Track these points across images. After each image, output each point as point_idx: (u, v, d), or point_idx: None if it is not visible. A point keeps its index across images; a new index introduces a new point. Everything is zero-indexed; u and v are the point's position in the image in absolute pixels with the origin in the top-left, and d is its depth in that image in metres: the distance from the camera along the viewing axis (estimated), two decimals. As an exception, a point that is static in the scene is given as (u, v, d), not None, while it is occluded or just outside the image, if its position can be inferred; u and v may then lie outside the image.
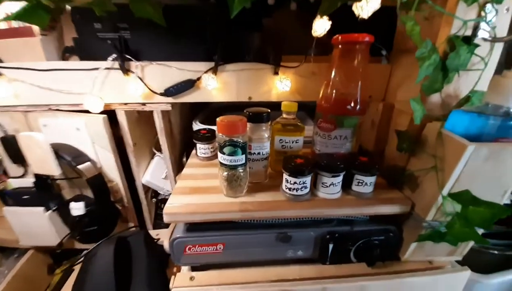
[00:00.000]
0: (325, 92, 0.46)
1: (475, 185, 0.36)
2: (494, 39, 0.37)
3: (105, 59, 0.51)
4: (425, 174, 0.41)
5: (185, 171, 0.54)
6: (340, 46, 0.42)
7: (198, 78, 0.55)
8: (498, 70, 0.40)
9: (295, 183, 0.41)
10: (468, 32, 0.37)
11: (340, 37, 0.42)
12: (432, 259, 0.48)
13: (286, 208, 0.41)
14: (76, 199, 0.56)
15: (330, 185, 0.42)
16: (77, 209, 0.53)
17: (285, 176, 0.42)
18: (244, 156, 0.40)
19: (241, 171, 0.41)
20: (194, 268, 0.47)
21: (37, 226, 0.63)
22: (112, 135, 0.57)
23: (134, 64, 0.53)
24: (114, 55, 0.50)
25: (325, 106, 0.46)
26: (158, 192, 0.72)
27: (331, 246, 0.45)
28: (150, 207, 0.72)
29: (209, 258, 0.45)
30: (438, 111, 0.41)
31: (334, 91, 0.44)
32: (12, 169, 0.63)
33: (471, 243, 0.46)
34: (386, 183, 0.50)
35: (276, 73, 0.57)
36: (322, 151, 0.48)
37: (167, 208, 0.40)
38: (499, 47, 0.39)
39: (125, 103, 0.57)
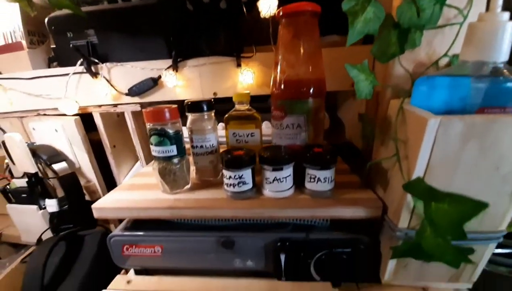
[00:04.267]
0: (274, 77, 0.40)
1: (461, 178, 0.26)
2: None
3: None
4: (392, 167, 0.32)
5: (144, 169, 0.52)
6: (283, 20, 0.37)
7: (159, 77, 0.54)
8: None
9: (230, 177, 0.36)
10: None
11: (281, 10, 0.37)
12: (427, 285, 0.36)
13: (222, 206, 0.36)
14: (51, 197, 0.58)
15: (274, 180, 0.36)
16: (50, 206, 0.55)
17: (223, 170, 0.37)
18: (175, 147, 0.37)
19: (175, 163, 0.38)
20: (139, 273, 0.44)
21: (33, 223, 0.68)
22: (86, 137, 0.60)
23: (100, 67, 0.55)
24: (82, 60, 0.54)
25: (275, 92, 0.40)
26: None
27: (283, 256, 0.37)
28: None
29: (149, 262, 0.41)
30: (407, 85, 0.32)
31: (281, 73, 0.39)
32: (15, 170, 0.71)
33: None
34: (359, 182, 0.40)
35: (239, 65, 0.53)
36: (276, 144, 0.42)
37: (97, 203, 0.38)
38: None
39: (99, 106, 0.60)
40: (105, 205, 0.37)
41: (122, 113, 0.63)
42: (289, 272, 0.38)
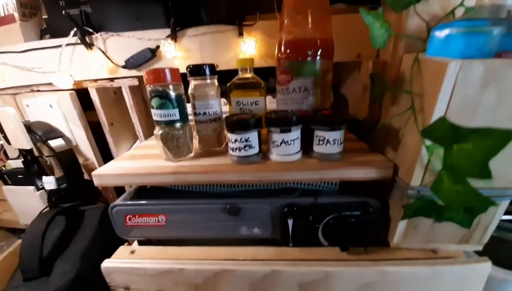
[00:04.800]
0: (280, 40, 0.38)
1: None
2: None
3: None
4: (404, 124, 0.31)
5: (145, 142, 0.51)
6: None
7: (157, 47, 0.52)
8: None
9: (236, 140, 0.34)
10: None
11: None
12: (436, 247, 0.35)
13: (227, 170, 0.34)
14: (49, 175, 0.57)
15: (281, 143, 0.35)
16: (48, 183, 0.54)
17: (227, 134, 0.36)
18: (177, 110, 0.35)
19: (177, 128, 0.36)
20: (143, 244, 0.43)
21: (30, 204, 0.67)
22: (82, 112, 0.58)
23: (95, 37, 0.53)
24: (75, 29, 0.51)
25: (280, 55, 0.38)
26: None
27: (290, 222, 0.36)
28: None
29: (152, 232, 0.40)
30: (422, 36, 0.31)
31: (288, 34, 0.37)
32: (10, 150, 0.69)
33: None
34: (368, 148, 0.39)
35: (240, 34, 0.51)
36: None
37: (96, 170, 0.36)
38: None
39: (95, 80, 0.58)
40: (106, 171, 0.36)
41: (120, 90, 0.60)
42: (297, 238, 0.37)
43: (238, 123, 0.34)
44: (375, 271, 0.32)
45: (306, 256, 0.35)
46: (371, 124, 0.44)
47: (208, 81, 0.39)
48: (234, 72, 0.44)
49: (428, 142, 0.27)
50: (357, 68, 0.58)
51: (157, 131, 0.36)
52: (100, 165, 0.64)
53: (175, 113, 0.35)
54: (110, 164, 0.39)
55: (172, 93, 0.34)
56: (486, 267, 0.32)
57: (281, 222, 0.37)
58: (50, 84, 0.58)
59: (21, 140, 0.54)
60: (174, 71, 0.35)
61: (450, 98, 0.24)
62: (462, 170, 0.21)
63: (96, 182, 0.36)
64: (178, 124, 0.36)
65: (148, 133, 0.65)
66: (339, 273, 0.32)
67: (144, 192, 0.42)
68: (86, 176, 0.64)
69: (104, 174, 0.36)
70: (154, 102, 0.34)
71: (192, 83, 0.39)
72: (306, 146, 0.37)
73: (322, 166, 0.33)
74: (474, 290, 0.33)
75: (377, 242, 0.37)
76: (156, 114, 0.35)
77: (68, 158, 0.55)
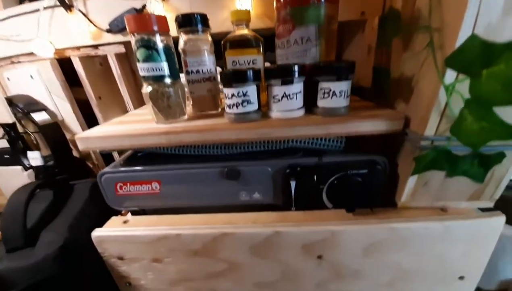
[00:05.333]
0: (279, -17, 0.34)
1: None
2: None
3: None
4: (419, 69, 0.28)
5: (135, 111, 0.47)
6: None
7: (144, 6, 0.47)
8: None
9: (233, 95, 0.31)
10: None
11: None
12: (445, 205, 0.34)
13: (224, 128, 0.32)
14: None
15: (282, 97, 0.32)
16: (34, 158, 0.50)
17: (224, 90, 0.33)
18: (166, 64, 0.32)
19: (167, 84, 0.33)
20: (137, 214, 0.41)
21: (19, 185, 0.64)
22: (65, 83, 0.54)
23: (74, -4, 0.48)
24: (51, -13, 0.46)
25: (280, 4, 0.35)
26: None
27: (293, 183, 0.34)
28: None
29: (146, 201, 0.38)
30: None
31: (288, -24, 0.33)
32: (-7, 130, 0.64)
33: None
34: (375, 105, 0.37)
35: (235, -10, 0.47)
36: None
37: (81, 133, 0.33)
38: None
39: (78, 48, 0.53)
40: (91, 134, 0.33)
41: (106, 61, 0.56)
42: (300, 201, 0.35)
43: (235, 75, 0.31)
44: (384, 228, 0.30)
45: (310, 219, 0.34)
46: (376, 89, 0.41)
47: (200, 34, 0.35)
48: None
49: (448, 80, 0.24)
50: (361, 29, 0.54)
51: (145, 88, 0.33)
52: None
53: (163, 68, 0.32)
54: (97, 128, 0.36)
55: (160, 44, 0.31)
56: (500, 221, 0.30)
57: (283, 185, 0.35)
58: (31, 54, 0.53)
59: (2, 113, 0.50)
60: (161, 18, 0.31)
61: (474, 26, 0.21)
62: (491, 98, 0.19)
63: (81, 146, 0.33)
64: (168, 81, 0.33)
65: (139, 106, 0.61)
66: (345, 232, 0.31)
67: (136, 159, 0.39)
68: (75, 153, 0.61)
69: (89, 137, 0.33)
70: (140, 54, 0.31)
71: (183, 37, 0.35)
72: (309, 103, 0.34)
73: (328, 121, 0.31)
74: (487, 246, 0.31)
75: (384, 203, 0.35)
76: (143, 68, 0.31)
77: (54, 132, 0.51)
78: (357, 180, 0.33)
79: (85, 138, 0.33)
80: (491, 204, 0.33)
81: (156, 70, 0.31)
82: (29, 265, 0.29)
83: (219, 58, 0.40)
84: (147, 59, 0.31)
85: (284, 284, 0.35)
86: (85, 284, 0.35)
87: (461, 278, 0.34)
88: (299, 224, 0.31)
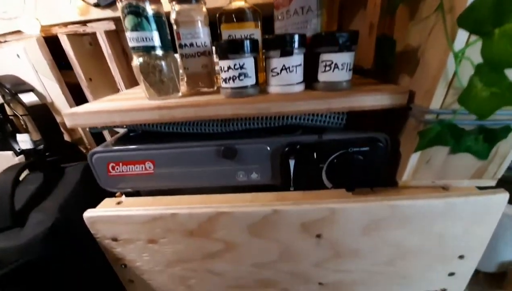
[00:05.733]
0: None
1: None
2: None
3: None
4: (426, 37, 0.26)
5: (127, 90, 0.45)
6: None
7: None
8: None
9: (229, 67, 0.30)
10: None
11: None
12: (447, 184, 0.33)
13: (220, 103, 0.30)
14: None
15: (281, 70, 0.30)
16: (23, 141, 0.48)
17: (219, 63, 0.31)
18: (157, 33, 0.30)
19: (159, 56, 0.31)
20: (130, 196, 0.39)
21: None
22: (53, 62, 0.51)
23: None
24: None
25: (279, -31, 0.32)
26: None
27: (292, 162, 0.33)
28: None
29: (139, 182, 0.36)
30: None
31: None
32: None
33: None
34: (377, 81, 0.35)
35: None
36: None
37: (69, 110, 0.31)
38: None
39: (65, 25, 0.50)
40: (80, 110, 0.31)
41: (95, 41, 0.53)
42: (299, 181, 0.34)
43: (231, 46, 0.29)
44: (384, 206, 0.30)
45: (309, 198, 0.33)
46: (379, 63, 0.39)
47: (194, 3, 0.33)
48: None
49: (458, 46, 0.22)
50: (362, 6, 0.52)
51: (136, 61, 0.31)
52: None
53: (153, 37, 0.30)
54: (85, 105, 0.34)
55: (149, 11, 0.29)
56: (502, 198, 0.30)
57: (282, 164, 0.33)
58: (18, 32, 0.50)
59: (-15, 93, 0.47)
60: (151, -18, 0.28)
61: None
62: (503, 60, 0.18)
63: (68, 123, 0.31)
64: (159, 52, 0.31)
65: (131, 86, 0.59)
66: (346, 210, 0.30)
67: (129, 139, 0.38)
68: (67, 138, 0.59)
69: (77, 112, 0.31)
70: (128, 21, 0.29)
71: (175, 7, 0.33)
72: (309, 79, 0.32)
73: (329, 95, 0.29)
74: (489, 224, 0.31)
75: (383, 182, 0.34)
76: (132, 38, 0.29)
77: (43, 114, 0.49)
78: (358, 157, 0.32)
79: (73, 114, 0.31)
80: (493, 183, 0.33)
81: (146, 40, 0.29)
82: (17, 246, 0.28)
83: (215, 38, 0.38)
84: (136, 27, 0.29)
85: (282, 264, 0.35)
86: (78, 266, 0.34)
87: (461, 257, 0.34)
88: (298, 202, 0.31)
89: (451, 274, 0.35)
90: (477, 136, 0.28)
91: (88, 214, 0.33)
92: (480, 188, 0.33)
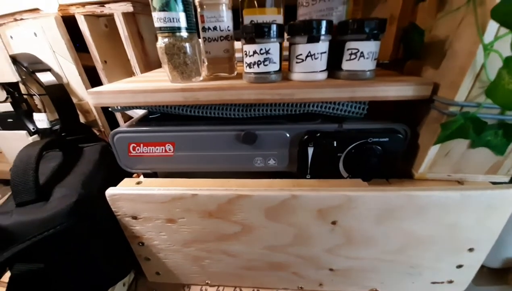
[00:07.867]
0: None
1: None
2: None
3: None
4: (454, 30, 0.26)
5: (146, 73, 0.45)
6: None
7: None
8: None
9: (255, 52, 0.30)
10: None
11: None
12: (462, 178, 0.34)
13: (244, 87, 0.30)
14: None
15: (307, 57, 0.30)
16: (40, 120, 0.49)
17: (243, 47, 0.31)
18: (184, 15, 0.30)
19: (184, 38, 0.31)
20: (149, 177, 0.40)
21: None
22: (70, 42, 0.51)
23: None
24: None
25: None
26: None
27: (310, 150, 0.33)
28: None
29: (160, 163, 0.37)
30: None
31: None
32: (-4, 93, 0.62)
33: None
34: (399, 73, 0.35)
35: None
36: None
37: (93, 88, 0.32)
38: None
39: (83, 5, 0.50)
40: (104, 88, 0.31)
41: (112, 23, 0.53)
42: (316, 169, 0.35)
43: (258, 29, 0.29)
44: (401, 195, 0.30)
45: (326, 185, 0.33)
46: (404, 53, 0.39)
47: (219, -15, 0.33)
48: None
49: (487, 39, 0.23)
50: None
51: (161, 42, 0.31)
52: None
53: (180, 18, 0.30)
54: (109, 85, 0.35)
55: (178, -9, 0.29)
56: (517, 193, 0.30)
57: (300, 151, 0.34)
58: (35, 10, 0.50)
59: (5, 71, 0.48)
60: (180, -39, 0.28)
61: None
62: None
63: (92, 102, 0.32)
64: (184, 34, 0.31)
65: (146, 71, 0.59)
66: (363, 198, 0.30)
67: (148, 121, 0.38)
68: (81, 120, 0.59)
69: (102, 91, 0.31)
70: (156, 1, 0.28)
71: (200, -11, 0.33)
72: (332, 67, 0.32)
73: (353, 83, 0.29)
74: (501, 218, 0.32)
75: (399, 174, 0.35)
76: (159, 18, 0.29)
77: (60, 94, 0.49)
78: (377, 148, 0.32)
79: (98, 93, 0.31)
80: (506, 179, 0.33)
81: (173, 20, 0.29)
82: (42, 219, 0.29)
83: (235, 24, 0.38)
84: (164, 7, 0.29)
85: (295, 248, 0.36)
86: (97, 242, 0.35)
87: (471, 250, 0.35)
88: (317, 189, 0.31)
89: (459, 266, 0.36)
90: (497, 131, 0.28)
91: (111, 191, 0.33)
92: (494, 183, 0.33)
